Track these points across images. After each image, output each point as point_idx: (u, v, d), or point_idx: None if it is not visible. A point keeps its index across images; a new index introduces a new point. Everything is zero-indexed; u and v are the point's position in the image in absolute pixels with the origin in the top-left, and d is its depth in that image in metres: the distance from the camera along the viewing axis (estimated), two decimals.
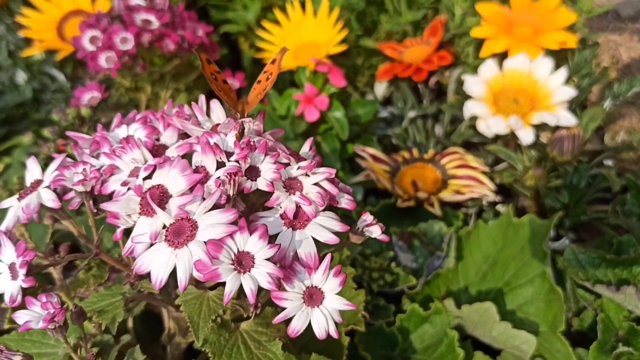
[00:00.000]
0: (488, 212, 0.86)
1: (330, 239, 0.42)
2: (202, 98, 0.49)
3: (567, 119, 0.85)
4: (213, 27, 1.13)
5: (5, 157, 0.91)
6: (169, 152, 0.44)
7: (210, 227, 0.38)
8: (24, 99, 1.12)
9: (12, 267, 0.41)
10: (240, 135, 0.44)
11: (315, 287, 0.43)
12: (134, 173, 0.42)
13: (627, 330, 0.67)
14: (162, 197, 0.40)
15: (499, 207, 0.90)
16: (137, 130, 0.46)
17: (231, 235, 0.38)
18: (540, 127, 0.89)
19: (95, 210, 0.44)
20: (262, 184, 0.43)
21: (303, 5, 1.13)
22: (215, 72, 0.49)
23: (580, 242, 0.89)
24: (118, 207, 0.40)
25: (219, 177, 0.41)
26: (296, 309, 0.42)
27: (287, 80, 1.16)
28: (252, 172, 0.43)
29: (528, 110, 0.87)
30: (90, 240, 0.46)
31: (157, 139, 0.46)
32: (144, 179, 0.41)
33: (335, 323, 0.42)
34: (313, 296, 0.42)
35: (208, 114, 0.49)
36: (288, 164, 0.45)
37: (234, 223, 0.39)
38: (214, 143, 0.42)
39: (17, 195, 0.44)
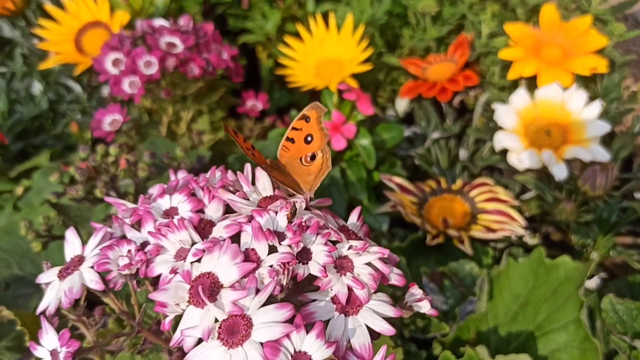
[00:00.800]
0: (517, 247, 0.84)
1: (385, 329, 0.41)
2: (247, 167, 0.47)
3: (602, 154, 0.83)
4: (232, 37, 1.10)
5: (24, 180, 0.89)
6: (216, 232, 0.42)
7: (266, 326, 0.37)
8: (40, 110, 1.10)
9: (54, 353, 0.39)
10: (292, 215, 0.42)
11: None
12: (181, 254, 0.41)
13: None
14: (213, 287, 0.38)
15: (526, 238, 0.88)
16: (182, 204, 0.44)
17: (287, 334, 0.37)
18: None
19: (138, 289, 0.43)
20: (314, 268, 0.41)
21: (325, 18, 1.10)
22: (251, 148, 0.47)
23: (611, 279, 0.87)
24: (167, 297, 0.39)
25: (271, 266, 0.39)
26: None
27: (306, 98, 1.14)
28: (304, 255, 0.42)
29: (560, 143, 0.85)
30: (132, 317, 0.44)
31: (202, 211, 0.44)
32: (192, 262, 0.40)
33: None
34: None
35: (253, 182, 0.47)
36: (338, 242, 0.44)
37: (290, 320, 0.37)
38: (267, 229, 0.40)
39: (56, 272, 0.43)
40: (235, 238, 0.41)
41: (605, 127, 0.84)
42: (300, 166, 0.50)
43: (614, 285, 0.84)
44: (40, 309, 0.42)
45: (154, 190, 0.47)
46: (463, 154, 0.98)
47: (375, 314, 0.42)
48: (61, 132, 1.07)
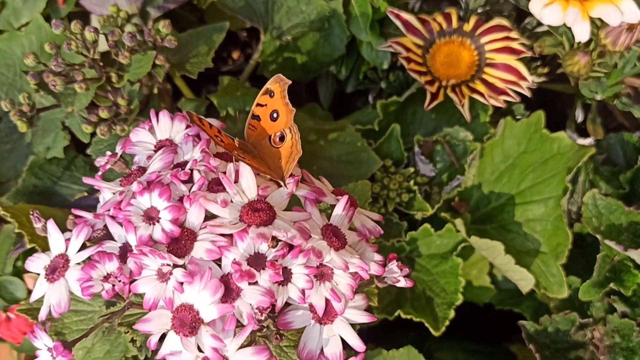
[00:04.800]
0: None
1: (357, 346, 0.44)
2: (230, 167, 0.44)
3: (635, 14, 0.74)
4: None
5: None
6: (196, 252, 0.42)
7: None
8: None
9: (50, 350, 0.43)
10: (275, 245, 0.42)
11: None
12: (163, 273, 0.42)
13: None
14: (193, 323, 0.40)
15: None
16: (163, 211, 0.43)
17: None
18: None
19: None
20: (293, 294, 0.42)
21: None
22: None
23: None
24: (151, 327, 0.41)
25: (251, 305, 0.41)
26: None
27: None
28: (283, 274, 0.43)
29: None
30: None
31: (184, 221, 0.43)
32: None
33: None
34: None
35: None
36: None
37: None
38: (246, 270, 0.40)
39: (44, 263, 0.44)
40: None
41: None
42: (270, 147, 0.47)
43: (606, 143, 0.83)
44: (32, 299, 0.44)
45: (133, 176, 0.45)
46: None
47: (349, 324, 0.44)
48: None
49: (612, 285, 0.71)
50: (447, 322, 0.71)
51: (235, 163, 0.44)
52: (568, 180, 0.73)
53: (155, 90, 0.70)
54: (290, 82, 0.48)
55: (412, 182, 0.74)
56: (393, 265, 0.49)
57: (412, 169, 0.76)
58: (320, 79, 0.90)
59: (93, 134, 0.66)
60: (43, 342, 0.44)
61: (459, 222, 0.74)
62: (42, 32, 0.78)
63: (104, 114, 0.60)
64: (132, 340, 0.50)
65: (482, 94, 0.77)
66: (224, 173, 0.44)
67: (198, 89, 0.98)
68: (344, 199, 0.47)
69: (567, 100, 0.95)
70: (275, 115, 0.48)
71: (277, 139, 0.48)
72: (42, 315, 0.43)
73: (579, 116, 0.88)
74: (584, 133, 0.88)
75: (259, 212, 0.43)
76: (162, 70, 0.64)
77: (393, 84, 0.84)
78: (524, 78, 0.79)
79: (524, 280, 0.72)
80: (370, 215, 0.51)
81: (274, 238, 0.41)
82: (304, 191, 0.46)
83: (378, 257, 0.48)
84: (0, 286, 0.68)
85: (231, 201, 0.44)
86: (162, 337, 0.42)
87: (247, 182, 0.44)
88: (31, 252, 0.63)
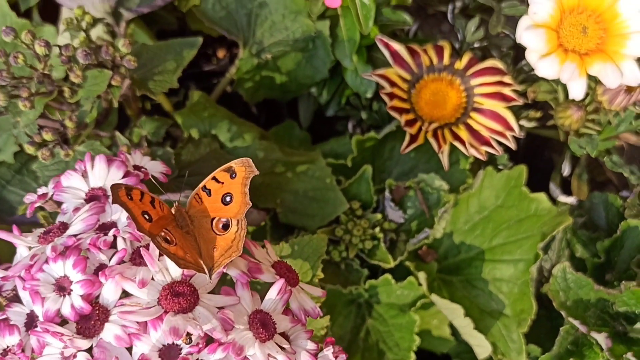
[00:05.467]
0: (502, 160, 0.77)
1: None
2: (152, 246, 0.40)
3: (635, 77, 0.70)
4: None
5: None
6: (106, 335, 0.38)
7: None
8: None
9: None
10: (188, 341, 0.38)
11: None
12: (66, 358, 0.38)
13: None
14: None
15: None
16: (75, 285, 0.39)
17: None
18: None
19: None
20: None
21: None
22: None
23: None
24: None
25: None
26: None
27: None
28: None
29: (592, 49, 0.71)
30: None
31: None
32: None
33: None
34: None
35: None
36: None
37: None
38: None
39: None
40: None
41: None
42: (209, 231, 0.43)
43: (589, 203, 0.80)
44: None
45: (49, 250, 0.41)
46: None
47: None
48: None
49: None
50: None
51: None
52: (540, 248, 0.70)
53: (116, 104, 0.65)
54: (257, 172, 0.43)
55: (377, 230, 0.70)
56: (329, 352, 0.46)
57: (379, 215, 0.72)
58: (301, 98, 0.86)
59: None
60: None
61: (422, 275, 0.70)
62: (7, 21, 0.73)
63: (47, 136, 0.56)
64: None
65: (463, 142, 0.73)
66: (147, 247, 0.40)
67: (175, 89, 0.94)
68: (278, 284, 0.43)
69: (557, 147, 0.91)
70: (228, 199, 0.43)
71: (220, 226, 0.43)
72: None
73: (566, 169, 0.84)
74: (568, 188, 0.84)
75: (179, 298, 0.39)
76: (118, 90, 0.59)
77: (374, 115, 0.80)
78: (511, 128, 0.75)
79: (481, 347, 0.69)
80: (311, 292, 0.47)
81: (188, 334, 0.38)
82: (236, 272, 0.42)
83: (311, 345, 0.44)
84: None
85: (152, 278, 0.40)
86: None
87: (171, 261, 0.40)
88: None
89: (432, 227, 0.70)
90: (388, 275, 0.70)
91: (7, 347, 0.39)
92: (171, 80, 0.65)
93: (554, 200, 0.82)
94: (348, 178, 0.73)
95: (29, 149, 0.57)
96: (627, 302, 0.67)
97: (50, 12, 0.83)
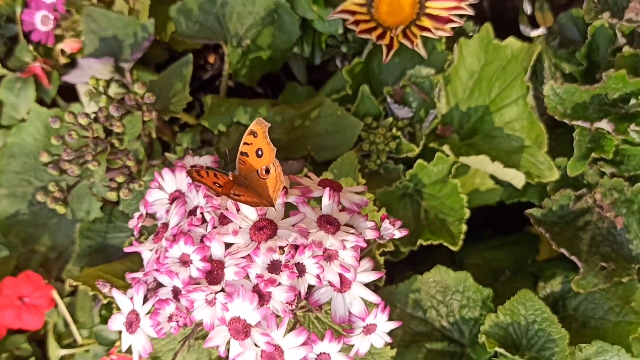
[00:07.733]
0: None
1: (373, 299, 0.55)
2: (230, 205, 0.54)
3: None
4: None
5: None
6: (228, 275, 0.53)
7: (293, 350, 0.52)
8: None
9: None
10: (282, 252, 0.52)
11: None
12: (209, 299, 0.53)
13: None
14: (245, 329, 0.52)
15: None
16: (193, 255, 0.54)
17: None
18: None
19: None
20: (311, 280, 0.53)
21: None
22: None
23: None
24: (215, 342, 0.53)
25: (282, 302, 0.52)
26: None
27: None
28: (299, 268, 0.53)
29: None
30: None
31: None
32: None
33: None
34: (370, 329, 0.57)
35: None
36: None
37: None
38: (268, 278, 0.51)
39: (122, 321, 0.56)
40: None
41: None
42: (259, 179, 0.57)
43: (558, 26, 0.90)
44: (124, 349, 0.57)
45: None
46: None
47: (363, 285, 0.55)
48: None
49: (594, 154, 0.79)
50: (462, 236, 0.81)
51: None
52: (527, 79, 0.81)
53: (154, 135, 0.80)
54: (269, 125, 0.57)
55: (394, 130, 0.83)
56: (386, 224, 0.59)
57: (391, 119, 0.84)
58: (290, 61, 0.99)
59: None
60: None
61: (446, 147, 0.83)
62: (43, 116, 0.88)
63: (120, 179, 0.71)
64: None
65: (429, 30, 0.84)
66: (227, 209, 0.55)
67: (191, 104, 1.08)
68: (326, 191, 0.57)
69: None
70: (260, 152, 0.57)
71: (264, 172, 0.57)
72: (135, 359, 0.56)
73: (528, 8, 0.94)
74: (537, 23, 0.94)
75: (263, 230, 0.53)
76: (152, 123, 0.74)
77: (352, 44, 0.92)
78: None
79: (516, 178, 0.81)
80: (354, 190, 0.61)
81: (280, 247, 0.52)
82: (293, 197, 0.56)
83: (370, 223, 0.58)
84: (96, 335, 0.82)
85: (240, 227, 0.54)
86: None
87: (247, 209, 0.55)
88: (109, 304, 0.76)
89: (435, 108, 0.82)
90: (420, 160, 0.83)
91: (170, 314, 0.54)
92: (184, 97, 0.79)
93: (529, 39, 0.93)
94: (353, 103, 0.86)
95: (112, 195, 0.72)
96: (616, 87, 0.78)
97: (65, 93, 0.98)
